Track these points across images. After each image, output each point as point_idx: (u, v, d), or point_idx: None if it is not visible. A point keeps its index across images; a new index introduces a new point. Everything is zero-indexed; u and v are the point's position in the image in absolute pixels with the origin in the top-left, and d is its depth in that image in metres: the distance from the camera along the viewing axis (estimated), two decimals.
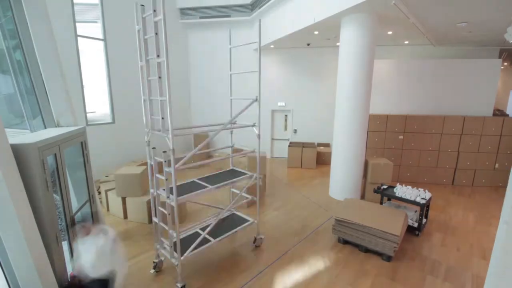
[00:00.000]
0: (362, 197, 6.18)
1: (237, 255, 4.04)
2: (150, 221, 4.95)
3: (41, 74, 3.46)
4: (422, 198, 4.61)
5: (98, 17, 6.96)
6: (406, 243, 4.33)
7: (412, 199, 4.62)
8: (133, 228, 4.77)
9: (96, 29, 6.98)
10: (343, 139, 5.84)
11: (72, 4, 6.10)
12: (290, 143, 9.26)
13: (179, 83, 9.48)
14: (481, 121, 6.84)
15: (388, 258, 3.86)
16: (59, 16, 5.91)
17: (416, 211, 4.74)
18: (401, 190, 4.84)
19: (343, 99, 5.74)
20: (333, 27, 6.17)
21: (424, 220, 4.73)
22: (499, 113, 7.60)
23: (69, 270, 3.17)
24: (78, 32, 6.29)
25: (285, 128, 9.84)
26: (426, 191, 4.82)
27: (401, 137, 7.25)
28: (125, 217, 5.10)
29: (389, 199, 5.13)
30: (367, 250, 4.08)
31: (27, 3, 3.25)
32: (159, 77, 3.10)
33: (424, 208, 4.62)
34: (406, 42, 8.02)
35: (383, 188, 5.05)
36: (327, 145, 9.28)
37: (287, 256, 4.02)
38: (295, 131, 9.61)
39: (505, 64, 10.91)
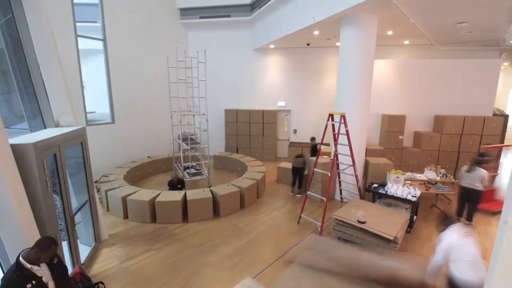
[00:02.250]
0: (362, 197, 6.17)
1: (238, 255, 4.04)
2: (151, 221, 4.96)
3: (41, 74, 3.46)
4: (413, 196, 4.62)
5: (98, 17, 6.97)
6: (405, 243, 4.33)
7: (403, 197, 4.64)
8: (134, 228, 4.77)
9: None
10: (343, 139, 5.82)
11: (72, 4, 6.10)
12: (290, 143, 9.25)
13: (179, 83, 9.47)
14: (481, 121, 6.85)
15: None
16: (59, 16, 5.91)
17: (407, 209, 4.76)
18: (392, 188, 4.85)
19: (343, 99, 5.74)
20: (333, 27, 6.17)
21: (414, 217, 4.74)
22: (498, 112, 7.61)
23: (69, 270, 3.17)
24: (79, 32, 6.30)
25: (286, 128, 9.85)
26: (416, 188, 4.84)
27: (401, 137, 7.25)
28: (126, 217, 5.09)
29: (379, 197, 5.13)
30: None
31: (27, 4, 3.25)
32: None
33: (416, 206, 4.64)
34: (406, 42, 8.02)
35: (374, 186, 5.06)
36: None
37: (287, 256, 4.01)
38: (295, 131, 9.61)
39: (505, 64, 10.91)
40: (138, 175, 7.14)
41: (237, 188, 5.50)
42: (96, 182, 5.70)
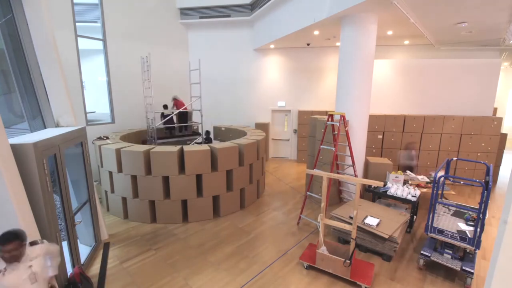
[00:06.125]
0: (361, 197, 6.18)
1: (238, 255, 4.04)
2: (151, 221, 4.96)
3: (41, 74, 3.46)
4: (413, 196, 4.63)
5: (98, 17, 6.97)
6: (406, 243, 4.34)
7: (403, 197, 4.66)
8: (134, 228, 4.77)
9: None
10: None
11: (72, 4, 6.10)
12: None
13: (179, 83, 9.47)
14: (481, 121, 6.85)
15: (389, 258, 3.87)
16: (59, 16, 5.91)
17: (406, 209, 4.77)
18: (392, 188, 4.88)
19: (343, 99, 5.74)
20: (333, 27, 6.18)
21: (414, 217, 4.74)
22: None
23: (69, 270, 3.17)
24: (79, 32, 6.30)
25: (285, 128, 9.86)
26: (416, 188, 4.85)
27: (393, 139, 7.25)
28: (126, 217, 5.09)
29: (379, 198, 5.15)
30: (367, 250, 4.08)
31: (27, 4, 3.25)
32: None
33: (416, 206, 4.65)
34: (406, 42, 8.02)
35: (374, 186, 5.07)
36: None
37: (287, 256, 4.02)
38: (295, 131, 9.62)
39: (505, 64, 10.92)
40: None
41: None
42: (96, 181, 5.70)
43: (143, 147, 4.90)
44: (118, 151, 4.80)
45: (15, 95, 3.41)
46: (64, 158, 3.19)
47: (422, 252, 3.64)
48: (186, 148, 4.86)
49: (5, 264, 1.91)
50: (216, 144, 5.26)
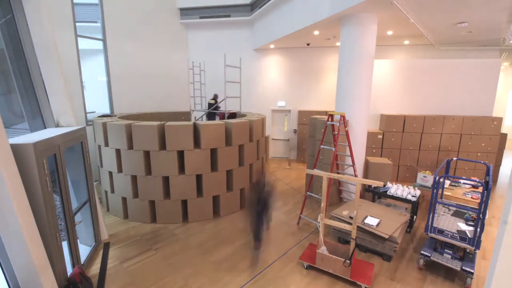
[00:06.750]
0: (361, 197, 6.18)
1: (238, 255, 4.04)
2: (151, 221, 4.96)
3: (41, 74, 3.46)
4: (413, 196, 4.64)
5: (98, 17, 6.97)
6: (406, 243, 4.34)
7: (403, 196, 4.67)
8: (134, 228, 4.77)
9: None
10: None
11: (72, 4, 6.10)
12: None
13: (179, 82, 9.47)
14: (481, 121, 6.85)
15: (389, 258, 3.86)
16: (59, 16, 5.91)
17: (406, 209, 4.79)
18: (392, 188, 4.89)
19: (343, 99, 5.74)
20: (333, 27, 6.18)
21: (414, 217, 4.75)
22: None
23: (69, 270, 3.17)
24: (79, 32, 6.30)
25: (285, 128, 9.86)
26: (416, 189, 4.86)
27: (393, 139, 7.25)
28: (126, 217, 5.09)
29: (379, 198, 5.15)
30: (367, 250, 4.08)
31: (27, 4, 3.25)
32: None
33: (416, 206, 4.68)
34: (406, 42, 8.02)
35: (374, 186, 5.08)
36: None
37: (287, 256, 4.02)
38: (295, 131, 9.62)
39: (505, 64, 10.92)
40: None
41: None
42: (96, 181, 5.70)
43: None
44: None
45: (15, 95, 3.40)
46: (64, 158, 3.20)
47: (422, 252, 3.64)
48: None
49: None
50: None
